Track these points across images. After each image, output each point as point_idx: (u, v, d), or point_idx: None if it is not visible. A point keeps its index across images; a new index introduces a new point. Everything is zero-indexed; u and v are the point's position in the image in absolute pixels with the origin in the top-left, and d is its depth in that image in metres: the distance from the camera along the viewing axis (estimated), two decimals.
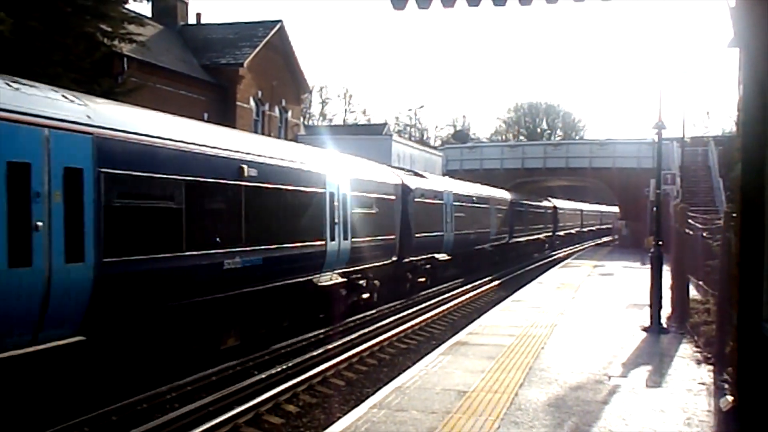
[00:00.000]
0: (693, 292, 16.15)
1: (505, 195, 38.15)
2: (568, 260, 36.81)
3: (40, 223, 7.84)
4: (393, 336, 16.45)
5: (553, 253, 49.42)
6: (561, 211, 54.79)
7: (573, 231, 61.42)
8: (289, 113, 38.73)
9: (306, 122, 68.68)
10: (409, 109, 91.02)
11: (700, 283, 16.39)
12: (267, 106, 36.08)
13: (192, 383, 11.40)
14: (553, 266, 33.25)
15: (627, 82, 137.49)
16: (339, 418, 9.01)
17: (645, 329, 14.69)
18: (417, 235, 22.54)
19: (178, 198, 10.36)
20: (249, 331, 13.30)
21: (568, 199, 64.19)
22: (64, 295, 8.25)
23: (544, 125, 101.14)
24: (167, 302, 10.35)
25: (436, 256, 24.63)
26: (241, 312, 12.58)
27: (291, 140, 34.72)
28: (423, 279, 23.46)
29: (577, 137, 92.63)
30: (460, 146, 57.39)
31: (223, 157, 11.42)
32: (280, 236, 13.38)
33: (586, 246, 57.37)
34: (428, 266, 24.01)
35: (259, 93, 35.36)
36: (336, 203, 16.20)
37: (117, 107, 10.08)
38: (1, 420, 7.46)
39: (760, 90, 5.75)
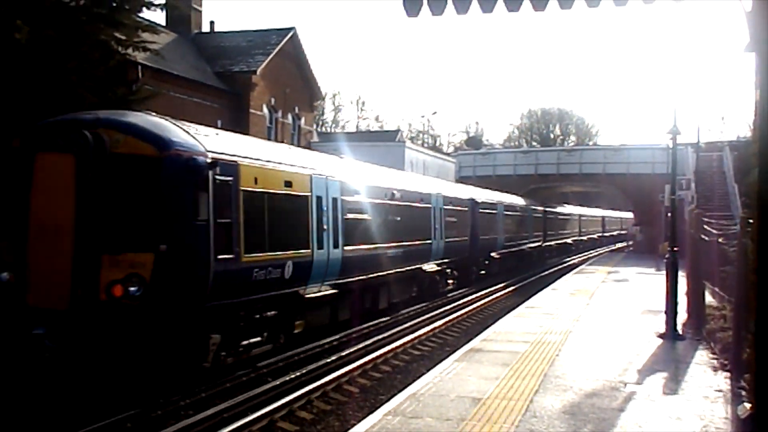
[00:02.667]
0: (709, 299, 16.05)
1: (538, 205, 44.42)
2: (583, 266, 37.01)
3: (325, 227, 15.43)
4: (407, 343, 16.53)
5: (567, 259, 49.89)
6: (584, 218, 58.41)
7: (595, 236, 66.33)
8: (302, 120, 38.72)
9: (319, 129, 68.61)
10: (422, 116, 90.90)
11: (716, 289, 16.30)
12: (280, 114, 36.15)
13: (207, 389, 11.54)
14: (568, 272, 33.26)
15: (641, 87, 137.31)
16: (353, 425, 9.03)
17: (660, 336, 14.65)
18: (481, 237, 29.85)
19: (369, 212, 18.19)
20: (395, 298, 20.82)
21: (584, 205, 65.14)
22: (333, 265, 15.74)
23: (558, 131, 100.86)
24: (369, 274, 18.01)
25: (492, 253, 31.97)
26: (392, 285, 20.29)
27: (305, 147, 34.67)
28: (483, 271, 31.08)
29: (591, 143, 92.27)
30: (473, 152, 57.46)
31: (382, 186, 19.62)
32: (404, 236, 20.65)
33: (602, 252, 58.20)
34: (486, 262, 31.60)
35: (272, 100, 35.39)
36: (436, 213, 24.22)
37: (344, 164, 18.17)
38: (310, 326, 14.99)
39: None
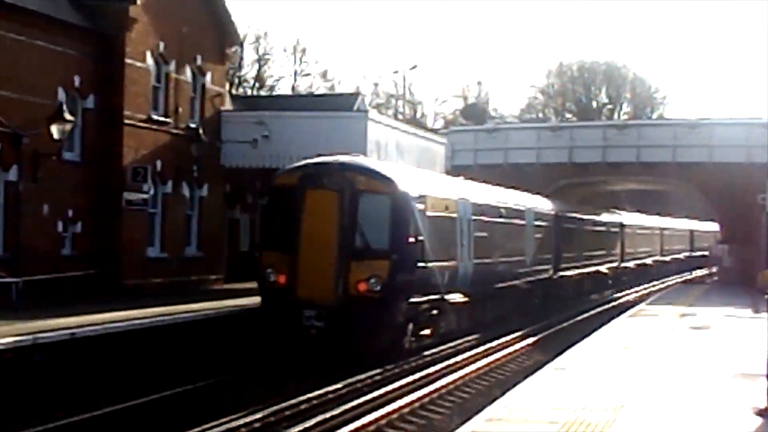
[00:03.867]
0: None
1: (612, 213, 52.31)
2: (641, 306, 36.62)
3: (464, 243, 26.16)
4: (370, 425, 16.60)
5: (618, 294, 50.32)
6: (630, 230, 56.24)
7: (648, 260, 64.28)
8: (208, 77, 35.26)
9: (235, 91, 65.39)
10: (395, 71, 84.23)
11: None
12: (173, 66, 32.82)
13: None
14: (618, 315, 33.04)
15: (730, 36, 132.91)
16: None
17: (760, 413, 14.18)
18: (565, 255, 40.05)
19: (487, 229, 28.10)
20: (503, 310, 31.51)
21: (638, 211, 63.48)
22: (465, 275, 26.38)
23: (603, 97, 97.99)
24: (495, 284, 29.87)
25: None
26: (511, 297, 31.86)
27: (211, 118, 33.77)
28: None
29: (655, 116, 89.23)
30: (475, 129, 56.25)
31: (492, 205, 29.40)
32: (509, 252, 31.26)
33: (669, 283, 59.27)
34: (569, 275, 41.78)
35: (161, 46, 32.26)
36: (527, 230, 34.05)
37: (469, 185, 30.01)
38: (448, 327, 25.47)
39: None
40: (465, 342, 26.86)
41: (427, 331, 24.21)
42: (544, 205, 39.18)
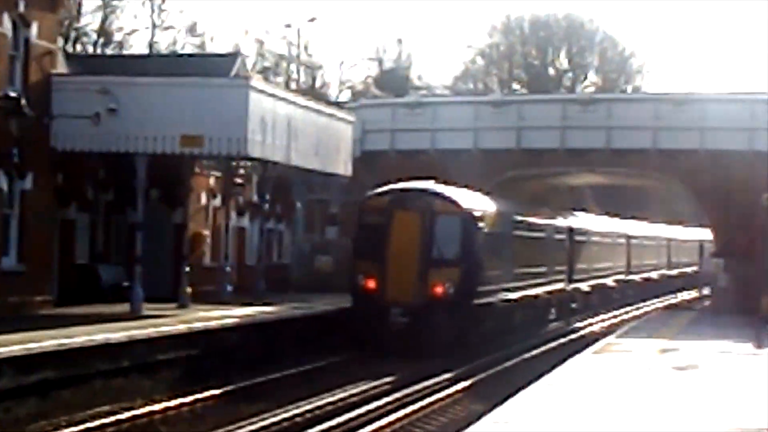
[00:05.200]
0: None
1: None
2: (609, 338, 37.25)
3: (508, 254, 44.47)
4: None
5: (578, 324, 51.71)
6: (582, 238, 57.34)
7: (609, 281, 64.39)
8: (33, 28, 34.90)
9: (71, 48, 65.00)
10: (287, 26, 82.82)
11: None
12: None
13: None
14: (580, 351, 33.50)
15: None
16: None
17: None
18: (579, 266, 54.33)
19: (521, 241, 44.91)
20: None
21: (606, 213, 65.34)
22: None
23: (563, 61, 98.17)
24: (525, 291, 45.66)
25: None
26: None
27: (38, 85, 33.80)
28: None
29: (630, 89, 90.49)
30: (393, 102, 56.74)
31: (553, 225, 50.90)
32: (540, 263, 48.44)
33: (644, 309, 62.26)
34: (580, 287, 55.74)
35: None
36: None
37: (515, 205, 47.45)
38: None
39: None
40: (373, 387, 28.58)
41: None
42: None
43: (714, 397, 22.50)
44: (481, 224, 37.12)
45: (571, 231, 53.11)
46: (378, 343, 34.89)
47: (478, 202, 39.23)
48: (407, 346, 34.14)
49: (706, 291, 53.20)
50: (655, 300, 71.04)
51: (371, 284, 35.64)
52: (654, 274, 75.45)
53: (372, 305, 35.36)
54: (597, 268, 59.66)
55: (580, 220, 56.48)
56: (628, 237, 67.55)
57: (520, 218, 44.13)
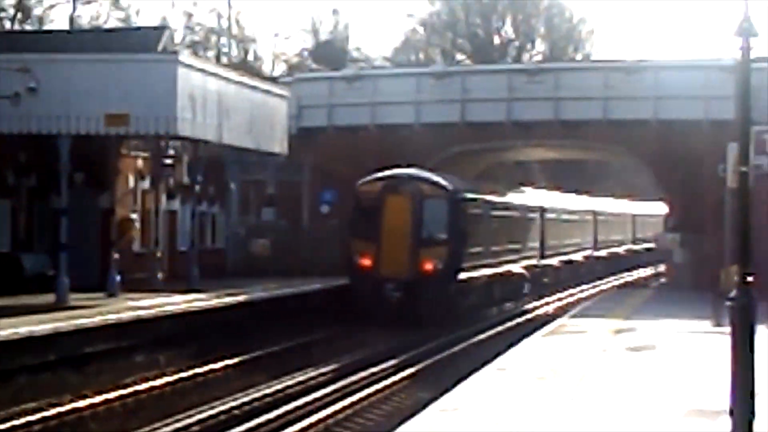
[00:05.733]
0: None
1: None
2: (562, 320, 37.12)
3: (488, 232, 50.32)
4: None
5: (532, 305, 52.39)
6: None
7: (578, 257, 67.72)
8: None
9: None
10: None
11: None
12: None
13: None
14: (532, 333, 33.19)
15: None
16: None
17: None
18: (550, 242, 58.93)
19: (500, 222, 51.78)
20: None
21: (557, 189, 66.21)
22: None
23: (509, 29, 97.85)
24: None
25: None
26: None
27: None
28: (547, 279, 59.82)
29: (579, 57, 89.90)
30: (330, 76, 56.56)
31: (526, 205, 56.60)
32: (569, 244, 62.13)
33: (601, 286, 63.43)
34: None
35: None
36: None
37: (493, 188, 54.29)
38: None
39: None
40: (319, 374, 28.31)
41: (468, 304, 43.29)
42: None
43: (671, 378, 22.43)
44: (464, 206, 42.34)
45: (542, 210, 58.14)
46: (374, 315, 39.41)
47: (462, 186, 44.12)
48: (400, 317, 39.18)
49: (662, 267, 52.68)
50: (625, 273, 75.86)
51: (367, 262, 40.69)
52: (620, 250, 78.63)
53: (367, 281, 40.47)
54: (566, 244, 64.14)
55: (550, 199, 61.51)
56: (595, 213, 70.83)
57: (497, 199, 48.99)
